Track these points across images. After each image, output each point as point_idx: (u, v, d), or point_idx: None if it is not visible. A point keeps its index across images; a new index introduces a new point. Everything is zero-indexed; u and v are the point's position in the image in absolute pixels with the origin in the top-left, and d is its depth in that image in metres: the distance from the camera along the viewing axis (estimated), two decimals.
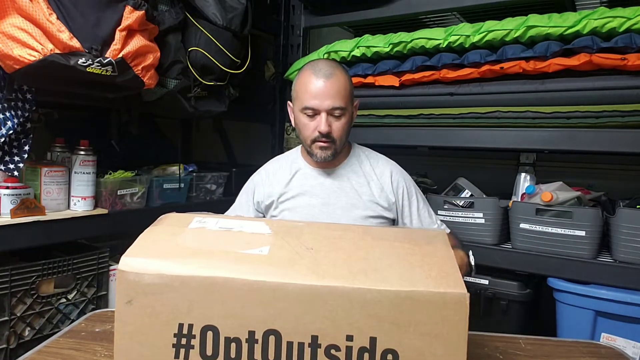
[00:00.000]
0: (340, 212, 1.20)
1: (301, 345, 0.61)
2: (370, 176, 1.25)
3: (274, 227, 0.76)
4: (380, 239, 0.74)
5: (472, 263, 1.10)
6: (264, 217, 1.30)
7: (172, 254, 0.66)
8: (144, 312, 0.63)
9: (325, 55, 1.80)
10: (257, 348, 0.61)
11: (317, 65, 1.18)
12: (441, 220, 1.34)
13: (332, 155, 1.19)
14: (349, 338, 0.61)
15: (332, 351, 0.61)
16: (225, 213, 1.36)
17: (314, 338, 0.61)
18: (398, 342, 0.60)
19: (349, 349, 0.60)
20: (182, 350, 0.62)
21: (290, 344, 0.61)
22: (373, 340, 0.60)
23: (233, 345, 0.62)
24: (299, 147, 1.31)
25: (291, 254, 0.67)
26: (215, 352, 0.62)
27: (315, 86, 1.15)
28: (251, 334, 0.62)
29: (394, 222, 1.24)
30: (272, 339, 0.61)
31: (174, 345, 0.62)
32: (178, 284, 0.62)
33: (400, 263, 0.67)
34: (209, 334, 0.62)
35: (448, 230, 1.30)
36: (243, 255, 0.66)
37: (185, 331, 0.62)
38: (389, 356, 0.60)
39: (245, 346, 0.62)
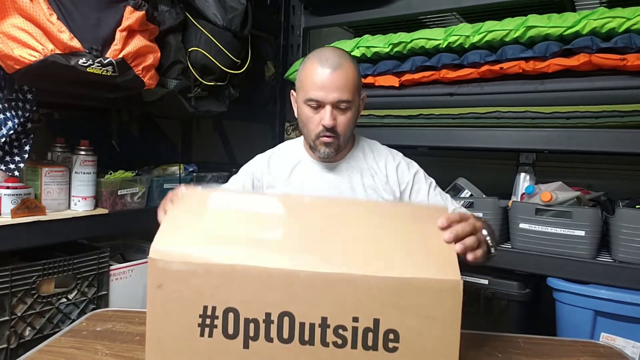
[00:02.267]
0: None
1: (312, 325, 0.68)
2: (374, 169, 1.21)
3: (287, 204, 0.80)
4: (385, 217, 0.80)
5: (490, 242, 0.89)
6: None
7: (196, 240, 0.73)
8: (172, 296, 0.69)
9: None
10: (273, 328, 0.68)
11: (324, 54, 1.12)
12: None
13: (335, 151, 1.15)
14: (355, 319, 0.67)
15: (340, 331, 0.67)
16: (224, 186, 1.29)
17: (324, 319, 0.68)
18: (399, 323, 0.67)
19: (354, 329, 0.67)
20: (207, 329, 0.69)
21: (302, 324, 0.68)
22: (376, 322, 0.67)
23: (252, 325, 0.69)
24: (301, 138, 1.26)
25: (303, 238, 0.74)
26: (236, 331, 0.69)
27: (321, 77, 1.08)
28: (268, 315, 0.68)
29: None
30: (286, 319, 0.68)
31: (199, 325, 0.69)
32: (202, 271, 0.69)
33: (403, 248, 0.73)
34: (230, 315, 0.69)
35: (456, 207, 1.22)
36: (260, 241, 0.73)
37: (209, 312, 0.69)
38: (391, 335, 0.67)
39: (262, 326, 0.68)
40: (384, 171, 1.20)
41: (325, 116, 1.09)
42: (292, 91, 1.23)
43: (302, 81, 1.14)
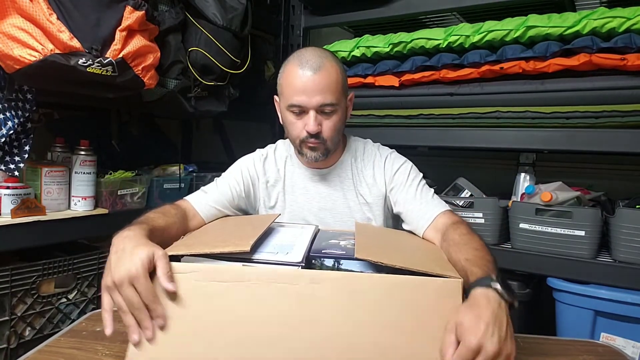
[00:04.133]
0: (338, 218, 1.15)
1: None
2: (364, 174, 1.17)
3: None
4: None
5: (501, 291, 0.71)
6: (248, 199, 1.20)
7: None
8: None
9: None
10: None
11: (304, 55, 1.06)
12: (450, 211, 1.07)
13: (323, 155, 1.10)
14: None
15: None
16: (208, 186, 1.18)
17: None
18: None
19: None
20: None
21: None
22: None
23: None
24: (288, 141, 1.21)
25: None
26: None
27: (302, 80, 1.03)
28: None
29: (386, 220, 1.17)
30: None
31: None
32: None
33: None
34: None
35: (446, 208, 1.06)
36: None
37: None
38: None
39: None
40: (372, 172, 1.17)
41: (309, 122, 1.04)
42: (275, 97, 1.18)
43: (283, 86, 1.09)
